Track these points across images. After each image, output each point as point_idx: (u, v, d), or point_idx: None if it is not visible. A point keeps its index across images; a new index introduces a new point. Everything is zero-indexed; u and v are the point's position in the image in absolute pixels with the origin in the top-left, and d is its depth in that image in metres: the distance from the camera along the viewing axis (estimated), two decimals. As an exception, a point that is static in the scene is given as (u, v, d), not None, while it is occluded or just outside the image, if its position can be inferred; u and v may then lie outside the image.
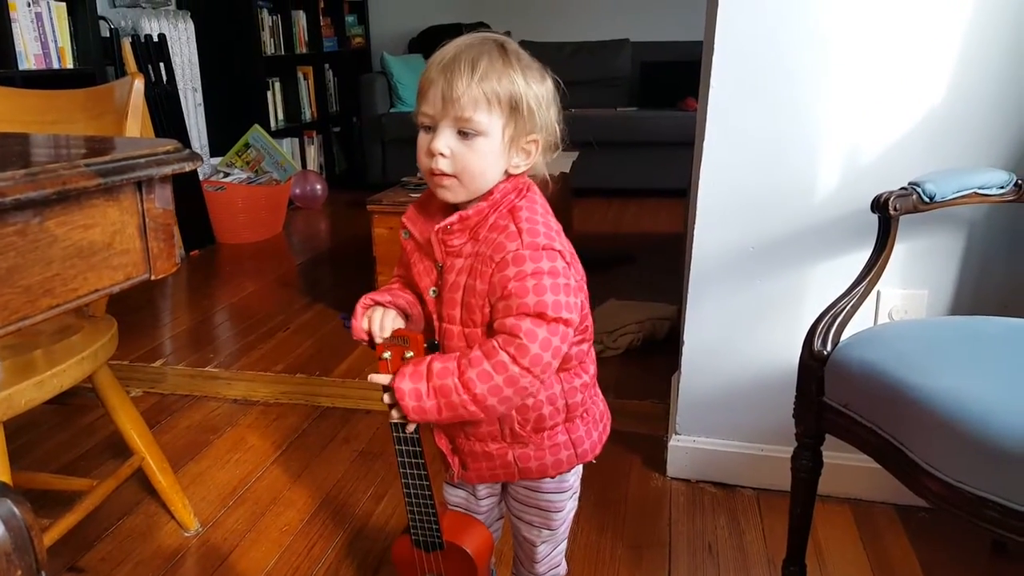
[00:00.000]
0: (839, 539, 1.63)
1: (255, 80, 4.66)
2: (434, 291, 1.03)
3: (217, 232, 4.01)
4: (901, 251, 1.51)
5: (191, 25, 4.20)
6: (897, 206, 1.29)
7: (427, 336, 1.04)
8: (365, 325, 1.03)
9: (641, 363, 2.48)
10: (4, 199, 0.62)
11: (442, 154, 0.95)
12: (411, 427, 1.03)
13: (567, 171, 3.22)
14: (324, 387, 2.37)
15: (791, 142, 1.60)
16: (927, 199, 1.31)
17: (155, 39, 3.92)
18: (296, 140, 5.17)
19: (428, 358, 0.97)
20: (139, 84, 1.51)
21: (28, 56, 3.15)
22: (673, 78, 5.05)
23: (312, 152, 5.38)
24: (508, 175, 1.00)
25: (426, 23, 5.52)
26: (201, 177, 3.97)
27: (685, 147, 2.40)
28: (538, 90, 0.97)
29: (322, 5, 5.43)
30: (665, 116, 4.87)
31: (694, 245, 1.71)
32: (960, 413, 1.00)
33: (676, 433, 1.86)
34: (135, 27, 3.89)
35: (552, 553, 1.22)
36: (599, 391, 1.15)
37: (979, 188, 1.37)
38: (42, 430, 2.13)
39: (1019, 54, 1.47)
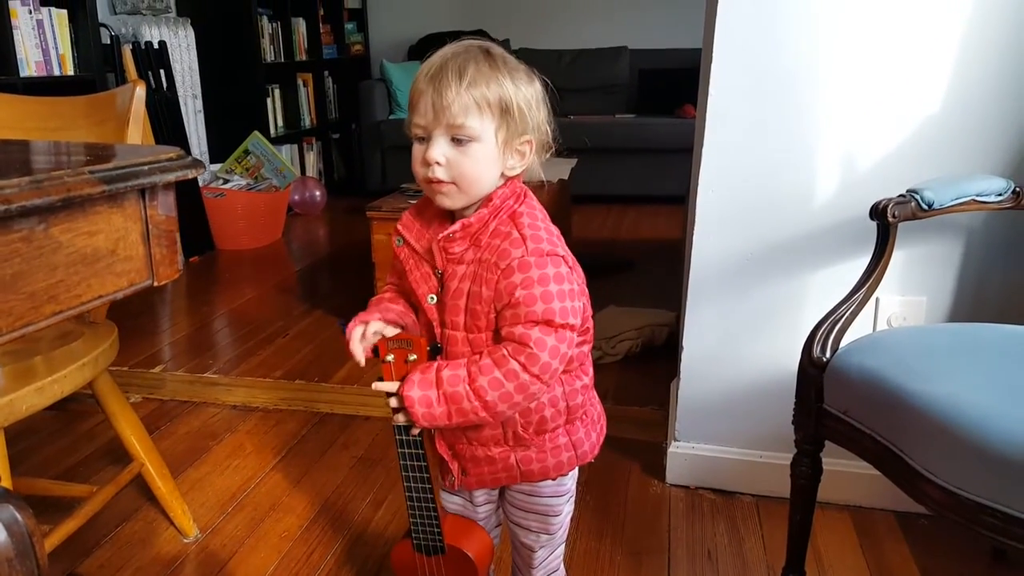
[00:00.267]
0: (839, 546, 1.63)
1: (255, 87, 4.67)
2: (433, 297, 1.03)
3: (216, 238, 4.02)
4: (900, 258, 1.52)
5: (191, 32, 4.21)
6: (896, 213, 1.30)
7: (427, 340, 1.04)
8: (355, 348, 1.04)
9: (640, 369, 2.48)
10: (10, 206, 0.63)
11: (438, 163, 0.96)
12: (415, 430, 1.04)
13: (566, 178, 3.23)
14: (323, 393, 2.37)
15: (789, 149, 1.60)
16: (925, 206, 1.32)
17: (155, 46, 3.93)
18: (295, 147, 5.18)
19: (436, 365, 0.98)
20: (140, 91, 1.52)
21: (29, 63, 3.15)
22: (671, 85, 5.06)
23: (311, 159, 5.39)
24: (504, 177, 1.01)
25: (425, 31, 5.53)
26: (201, 184, 3.98)
27: (683, 154, 2.41)
28: (527, 92, 0.98)
29: (322, 12, 5.44)
30: (663, 123, 4.88)
31: (693, 252, 1.71)
32: (959, 420, 1.01)
33: (675, 440, 1.86)
34: (136, 34, 3.90)
35: (550, 558, 1.23)
36: (595, 393, 1.16)
37: (977, 195, 1.37)
38: (41, 436, 2.13)
39: (1017, 62, 1.48)
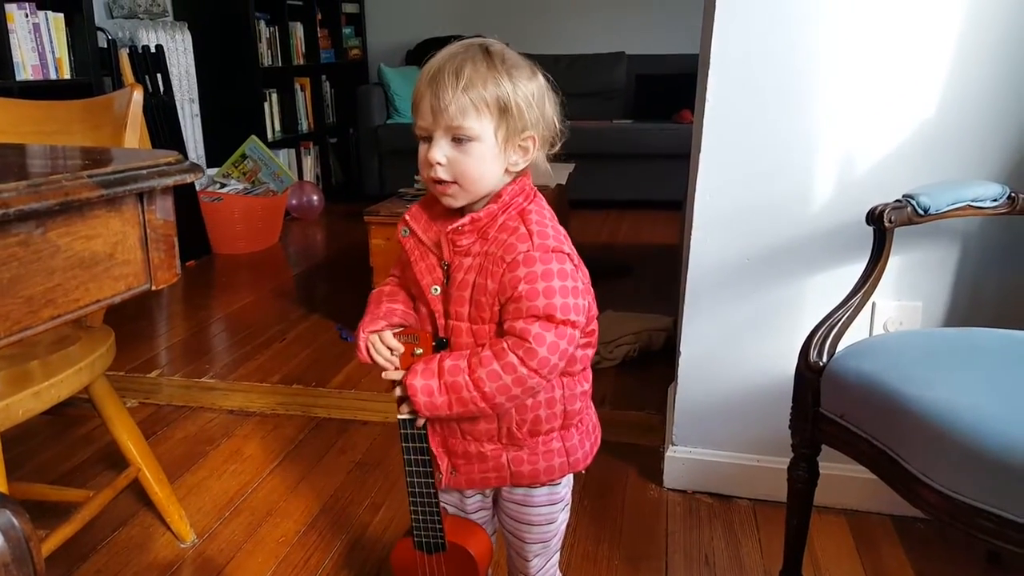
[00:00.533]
0: (835, 550, 1.64)
1: (252, 91, 4.66)
2: (436, 289, 1.05)
3: (213, 243, 4.02)
4: (896, 263, 1.53)
5: (188, 36, 4.21)
6: (892, 218, 1.30)
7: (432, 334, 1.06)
8: (376, 358, 1.06)
9: (637, 374, 2.48)
10: (8, 210, 0.63)
11: (439, 163, 0.98)
12: (420, 422, 1.06)
13: (563, 183, 3.23)
14: (321, 398, 2.37)
15: (786, 155, 1.61)
16: (921, 211, 1.32)
17: (152, 50, 3.93)
18: (293, 151, 5.18)
19: (438, 356, 1.01)
20: (138, 95, 1.52)
21: (25, 67, 3.15)
22: (668, 91, 5.07)
23: (309, 163, 5.39)
24: (510, 174, 1.02)
25: (423, 35, 5.53)
26: (198, 188, 3.98)
27: (681, 159, 2.42)
28: (527, 88, 0.99)
29: (319, 17, 5.44)
30: (660, 128, 4.89)
31: (690, 256, 1.72)
32: (955, 424, 1.01)
33: (672, 444, 1.86)
34: (132, 38, 3.90)
35: (546, 566, 1.22)
36: (592, 404, 1.16)
37: (973, 201, 1.38)
38: (38, 440, 2.13)
39: (1013, 68, 1.48)
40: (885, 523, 1.72)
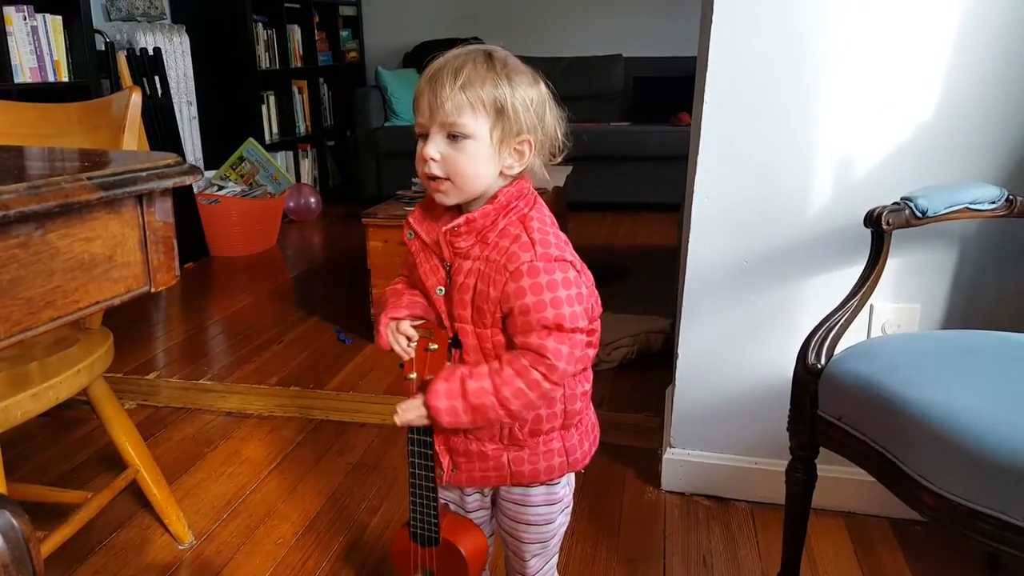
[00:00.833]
0: (833, 552, 1.64)
1: (250, 94, 4.67)
2: (441, 290, 1.06)
3: (211, 245, 4.01)
4: (894, 265, 1.53)
5: (186, 39, 4.21)
6: (890, 221, 1.30)
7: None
8: (393, 344, 1.07)
9: (635, 376, 2.48)
10: (8, 212, 0.63)
11: (433, 158, 0.99)
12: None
13: (561, 185, 3.24)
14: (318, 400, 2.37)
15: (784, 157, 1.61)
16: (919, 214, 1.32)
17: (150, 52, 3.93)
18: (290, 154, 5.18)
19: (459, 374, 1.01)
20: (137, 98, 1.52)
21: (24, 69, 3.15)
22: (666, 93, 5.07)
23: (306, 165, 5.39)
24: (506, 176, 1.03)
25: (420, 38, 5.54)
26: (195, 190, 3.98)
27: (678, 161, 2.42)
28: (526, 93, 1.00)
29: (317, 19, 5.44)
30: (658, 131, 4.89)
31: (688, 259, 1.72)
32: (954, 426, 1.01)
33: (670, 446, 1.86)
34: (130, 41, 3.90)
35: (544, 568, 1.23)
36: (591, 403, 1.17)
37: (970, 203, 1.38)
38: (36, 442, 2.12)
39: (1009, 70, 1.49)
40: (883, 526, 1.72)
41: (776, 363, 1.70)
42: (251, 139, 4.27)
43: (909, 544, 1.66)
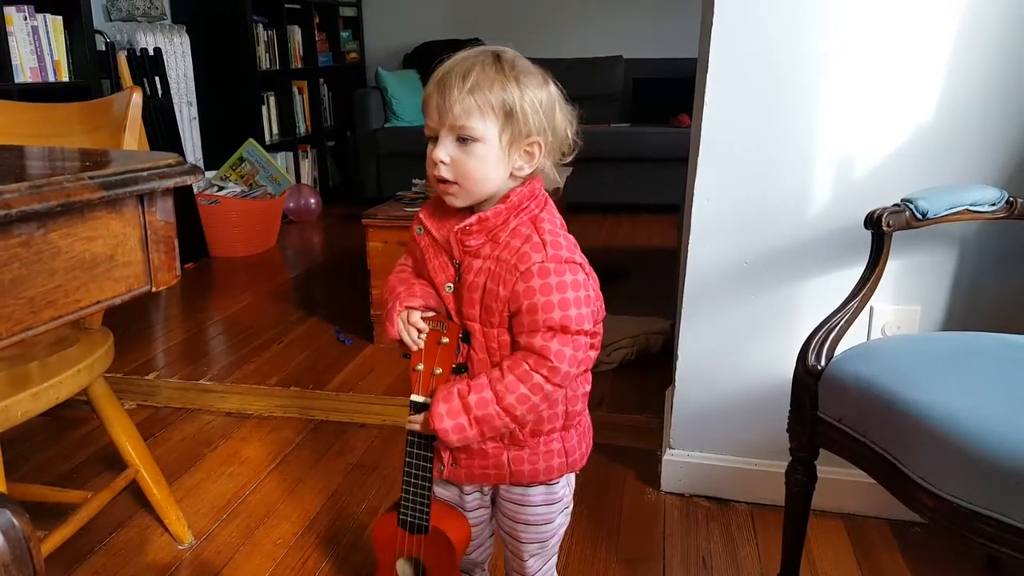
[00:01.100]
0: (833, 554, 1.64)
1: (250, 94, 4.67)
2: (450, 287, 1.06)
3: (211, 245, 4.01)
4: (894, 267, 1.53)
5: (187, 39, 4.22)
6: (890, 222, 1.30)
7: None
8: (403, 334, 1.07)
9: (635, 377, 2.48)
10: (9, 211, 0.63)
11: (442, 161, 1.00)
12: None
13: (561, 186, 3.23)
14: (318, 400, 2.37)
15: (784, 158, 1.61)
16: (920, 216, 1.32)
17: (151, 53, 3.93)
18: (290, 154, 5.18)
19: (457, 390, 1.02)
20: (137, 98, 1.52)
21: (24, 69, 3.15)
22: (666, 95, 5.08)
23: (306, 166, 5.39)
24: (516, 178, 1.03)
25: (421, 39, 5.54)
26: (195, 191, 3.98)
27: (678, 163, 2.42)
28: (535, 95, 1.00)
29: (317, 20, 5.45)
30: (658, 132, 4.89)
31: (688, 260, 1.72)
32: (953, 428, 1.01)
33: (670, 447, 1.86)
34: (131, 41, 3.90)
35: (543, 568, 1.23)
36: (587, 404, 1.17)
37: (971, 205, 1.38)
38: (36, 441, 2.12)
39: (1010, 72, 1.49)
40: (883, 527, 1.72)
41: (776, 364, 1.70)
42: (251, 140, 4.27)
43: (909, 546, 1.66)
